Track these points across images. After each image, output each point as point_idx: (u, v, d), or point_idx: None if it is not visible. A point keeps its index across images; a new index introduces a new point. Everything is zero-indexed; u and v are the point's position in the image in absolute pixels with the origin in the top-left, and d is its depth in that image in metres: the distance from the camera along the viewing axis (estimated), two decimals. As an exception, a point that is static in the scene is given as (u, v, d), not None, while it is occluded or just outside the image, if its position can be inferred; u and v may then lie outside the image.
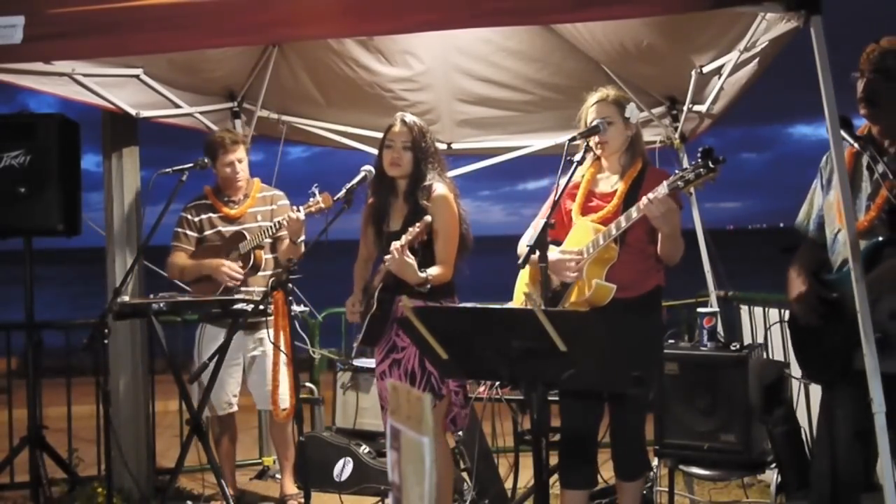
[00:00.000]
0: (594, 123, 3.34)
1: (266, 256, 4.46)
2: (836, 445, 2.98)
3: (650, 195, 3.05)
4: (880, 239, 2.82)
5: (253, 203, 4.55)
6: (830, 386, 3.07)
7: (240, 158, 4.49)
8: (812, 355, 3.08)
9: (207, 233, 4.50)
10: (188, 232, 4.51)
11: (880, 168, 2.86)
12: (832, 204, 3.00)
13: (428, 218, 3.38)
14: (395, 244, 3.38)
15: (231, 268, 4.36)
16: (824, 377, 3.07)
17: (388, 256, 3.41)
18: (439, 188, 3.56)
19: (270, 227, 4.34)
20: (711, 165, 2.89)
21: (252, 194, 4.56)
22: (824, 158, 3.10)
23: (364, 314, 3.64)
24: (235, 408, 4.57)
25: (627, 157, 3.40)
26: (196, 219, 4.51)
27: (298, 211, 4.03)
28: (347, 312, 3.74)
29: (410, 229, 3.36)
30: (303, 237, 4.29)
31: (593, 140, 3.38)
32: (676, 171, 3.02)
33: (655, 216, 3.04)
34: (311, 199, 4.00)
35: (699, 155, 2.92)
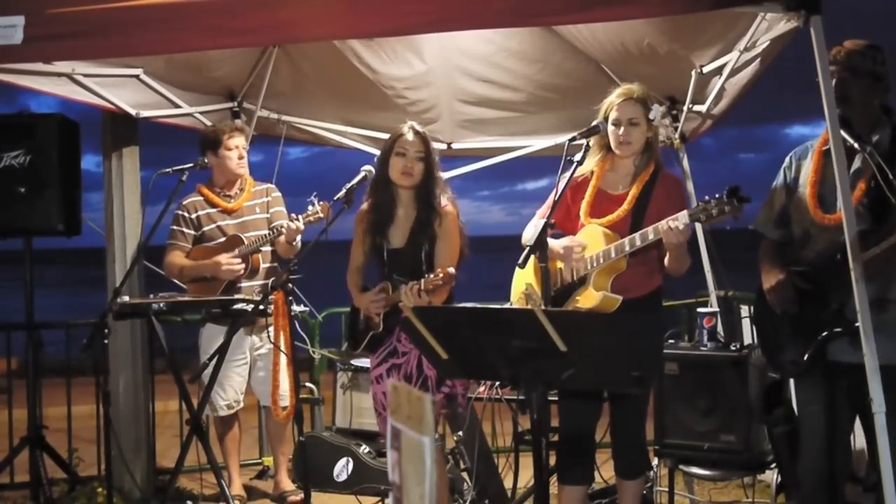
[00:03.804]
0: (594, 124, 3.34)
1: (264, 265, 4.49)
2: (816, 438, 3.07)
3: (671, 223, 3.04)
4: (858, 229, 2.89)
5: (249, 196, 4.60)
6: (799, 378, 3.15)
7: (244, 146, 4.57)
8: (781, 349, 3.15)
9: (206, 228, 4.51)
10: (185, 230, 4.51)
11: (856, 163, 2.97)
12: (802, 200, 3.11)
13: (451, 270, 3.31)
14: (414, 287, 3.30)
15: (230, 262, 4.37)
16: (796, 370, 3.12)
17: (403, 295, 3.34)
18: (446, 206, 3.54)
19: (267, 234, 4.41)
20: (736, 203, 2.90)
21: (247, 188, 4.61)
22: (788, 159, 3.24)
23: (365, 331, 3.63)
24: (241, 405, 4.61)
25: (643, 158, 3.37)
26: (193, 216, 4.52)
27: (297, 220, 4.12)
28: (370, 309, 3.61)
29: (432, 278, 3.29)
30: (299, 238, 4.31)
31: (615, 138, 3.33)
32: (699, 203, 3.02)
33: (672, 242, 3.06)
34: (311, 209, 4.09)
35: (726, 192, 2.93)
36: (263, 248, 4.45)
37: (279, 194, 4.66)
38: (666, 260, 3.25)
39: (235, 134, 4.52)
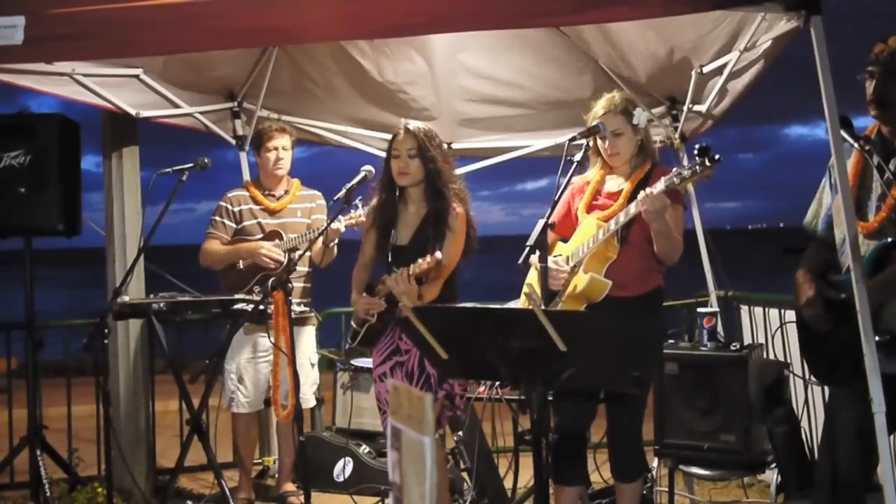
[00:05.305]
0: (594, 124, 3.35)
1: (301, 268, 4.47)
2: (841, 446, 2.97)
3: (647, 189, 3.10)
4: (889, 240, 2.81)
5: (294, 199, 4.62)
6: (838, 387, 3.06)
7: (284, 146, 4.57)
8: (820, 357, 3.08)
9: (246, 223, 4.53)
10: (226, 221, 4.55)
11: (890, 170, 2.84)
12: (840, 205, 2.97)
13: (438, 255, 3.35)
14: (403, 272, 3.36)
15: (270, 250, 4.40)
16: (833, 379, 3.06)
17: (391, 280, 3.41)
18: (455, 206, 3.54)
19: (307, 233, 4.43)
20: (707, 163, 2.92)
21: (293, 192, 4.63)
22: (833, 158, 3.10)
23: (363, 321, 3.63)
24: (263, 406, 4.63)
25: (638, 159, 3.43)
26: (236, 209, 4.55)
27: (339, 221, 4.20)
28: (362, 312, 3.64)
29: (420, 261, 3.33)
30: (336, 242, 4.40)
31: (604, 150, 3.39)
32: (675, 169, 3.07)
33: (649, 211, 3.08)
34: (354, 212, 4.10)
35: (696, 152, 2.96)
36: (300, 248, 4.44)
37: (324, 203, 4.66)
38: (654, 245, 3.26)
39: (276, 135, 4.53)
